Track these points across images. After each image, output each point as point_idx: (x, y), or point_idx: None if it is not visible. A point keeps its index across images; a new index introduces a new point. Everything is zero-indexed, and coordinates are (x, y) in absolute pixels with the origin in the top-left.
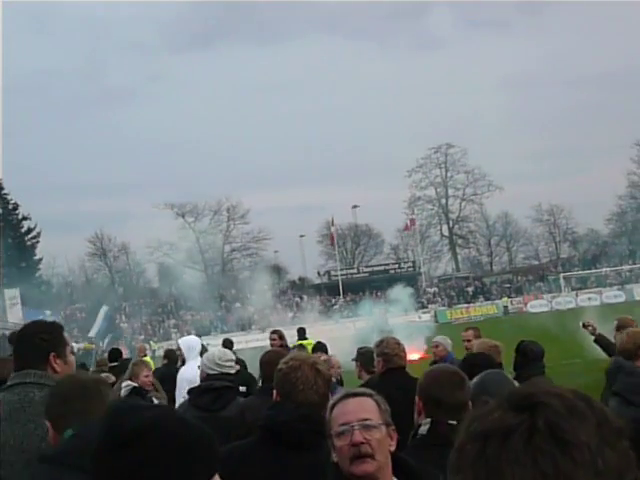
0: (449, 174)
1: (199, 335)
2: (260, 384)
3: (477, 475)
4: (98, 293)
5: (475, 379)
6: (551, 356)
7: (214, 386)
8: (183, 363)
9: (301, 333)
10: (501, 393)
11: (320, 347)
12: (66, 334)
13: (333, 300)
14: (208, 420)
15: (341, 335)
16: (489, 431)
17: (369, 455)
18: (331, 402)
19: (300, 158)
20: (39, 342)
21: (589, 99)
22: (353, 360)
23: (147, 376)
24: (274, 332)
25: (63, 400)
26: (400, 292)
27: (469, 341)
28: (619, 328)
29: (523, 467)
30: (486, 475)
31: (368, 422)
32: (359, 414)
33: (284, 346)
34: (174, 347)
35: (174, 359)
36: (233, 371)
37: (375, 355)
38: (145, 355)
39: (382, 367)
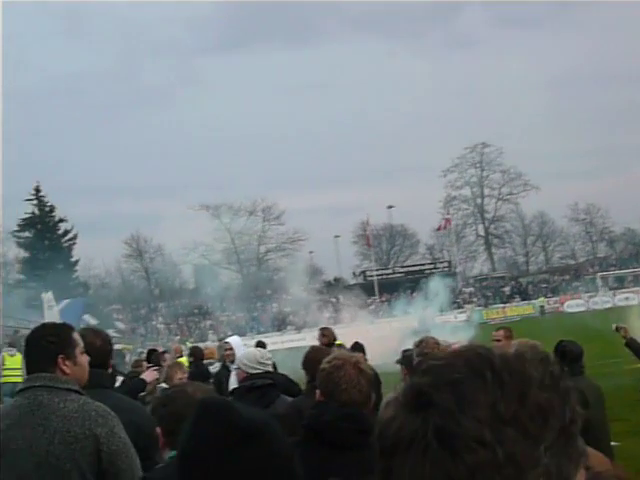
0: (485, 173)
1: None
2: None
3: None
4: (134, 294)
5: None
6: (590, 356)
7: (257, 385)
8: (232, 362)
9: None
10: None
11: (357, 348)
12: (76, 335)
13: (368, 300)
14: None
15: (377, 335)
16: (395, 444)
17: None
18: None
19: (335, 158)
20: (46, 345)
21: (626, 98)
22: (397, 363)
23: (181, 378)
24: (324, 329)
25: (177, 419)
26: (437, 291)
27: (499, 341)
28: None
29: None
30: None
31: None
32: None
33: (331, 345)
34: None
35: (200, 356)
36: (265, 369)
37: (415, 355)
38: (181, 356)
39: None
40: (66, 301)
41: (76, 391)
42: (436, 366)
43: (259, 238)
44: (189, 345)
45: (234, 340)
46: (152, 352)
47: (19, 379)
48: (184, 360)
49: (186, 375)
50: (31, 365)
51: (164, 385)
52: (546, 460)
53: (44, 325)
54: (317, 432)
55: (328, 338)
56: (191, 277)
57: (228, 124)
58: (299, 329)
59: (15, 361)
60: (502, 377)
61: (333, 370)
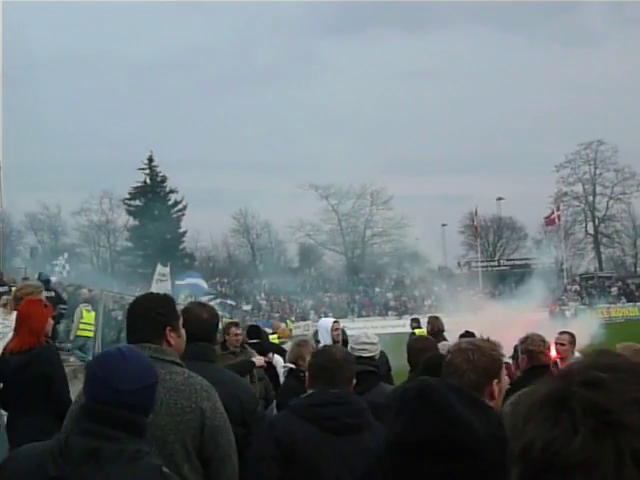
0: (598, 171)
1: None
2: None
3: None
4: (239, 269)
5: None
6: None
7: (356, 370)
8: (338, 342)
9: (415, 322)
10: None
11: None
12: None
13: (472, 291)
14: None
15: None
16: (575, 463)
17: None
18: None
19: (446, 147)
20: (155, 316)
21: None
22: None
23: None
24: (431, 318)
25: None
26: (541, 286)
27: (563, 345)
28: None
29: None
30: None
31: None
32: None
33: (436, 333)
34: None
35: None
36: (368, 354)
37: (520, 352)
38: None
39: (527, 364)
40: (190, 280)
41: (179, 364)
42: (611, 381)
43: (366, 221)
44: (292, 326)
45: (323, 322)
46: (253, 328)
47: (91, 334)
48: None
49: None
50: (136, 334)
51: (290, 365)
52: None
53: (150, 295)
54: None
55: (432, 326)
56: (296, 256)
57: (341, 106)
58: (400, 315)
59: (91, 317)
60: None
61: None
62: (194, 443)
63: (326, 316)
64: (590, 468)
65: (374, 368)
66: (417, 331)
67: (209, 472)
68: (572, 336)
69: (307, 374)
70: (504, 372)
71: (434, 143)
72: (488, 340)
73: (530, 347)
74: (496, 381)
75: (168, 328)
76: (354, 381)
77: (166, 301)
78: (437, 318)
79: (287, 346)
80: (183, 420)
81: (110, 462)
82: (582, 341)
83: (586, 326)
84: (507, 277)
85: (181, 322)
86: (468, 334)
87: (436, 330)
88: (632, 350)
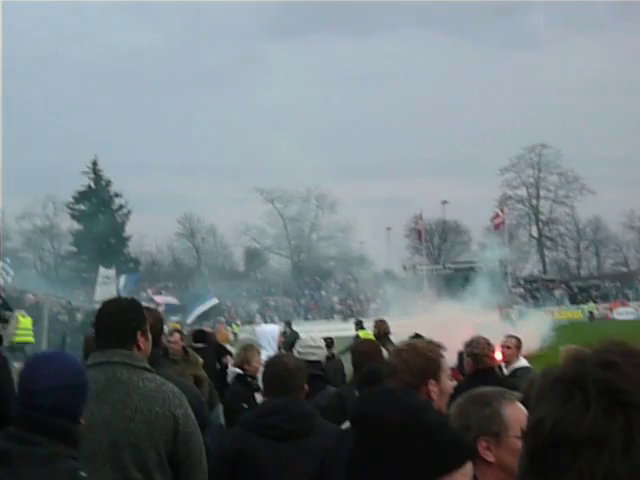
0: (542, 175)
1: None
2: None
3: None
4: (184, 273)
5: None
6: None
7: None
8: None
9: (359, 325)
10: None
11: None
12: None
13: (417, 294)
14: None
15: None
16: (584, 439)
17: None
18: (499, 401)
19: (391, 151)
20: (128, 321)
21: None
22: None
23: (257, 361)
24: (377, 321)
25: None
26: (485, 289)
27: (509, 348)
28: None
29: (622, 478)
30: None
31: None
32: None
33: (382, 336)
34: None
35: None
36: (314, 358)
37: (465, 355)
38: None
39: (472, 368)
40: (123, 277)
41: (149, 370)
42: (625, 364)
43: (311, 225)
44: (238, 330)
45: (267, 329)
46: (199, 332)
47: (31, 339)
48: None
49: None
50: (107, 340)
51: (237, 370)
52: None
53: (119, 300)
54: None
55: (379, 329)
56: (241, 259)
57: (286, 109)
58: (346, 318)
59: (27, 322)
60: None
61: None
62: (167, 449)
63: (271, 320)
64: (599, 444)
65: (320, 372)
66: (361, 333)
67: (179, 477)
68: (518, 340)
69: (262, 384)
70: (445, 373)
71: (379, 147)
72: (428, 341)
73: (475, 350)
74: (432, 381)
75: (139, 332)
76: (306, 387)
77: (136, 305)
78: (383, 321)
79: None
80: (157, 427)
81: (20, 465)
82: (533, 344)
83: (536, 328)
84: (452, 280)
85: (149, 326)
86: (418, 337)
87: (382, 333)
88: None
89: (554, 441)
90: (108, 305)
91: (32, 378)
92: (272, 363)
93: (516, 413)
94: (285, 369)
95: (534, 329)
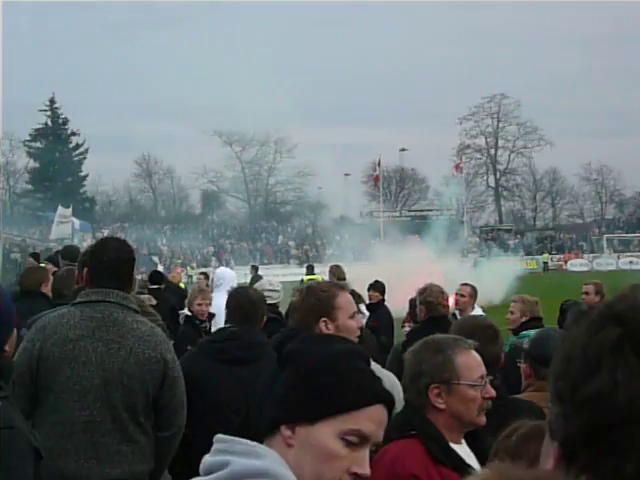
0: (501, 125)
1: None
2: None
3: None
4: (141, 214)
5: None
6: None
7: None
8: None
9: (309, 270)
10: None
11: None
12: None
13: (373, 241)
14: None
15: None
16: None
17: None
18: (452, 349)
19: (351, 97)
20: (125, 262)
21: None
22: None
23: (200, 304)
24: (333, 267)
25: None
26: (442, 236)
27: (463, 296)
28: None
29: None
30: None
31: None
32: (484, 370)
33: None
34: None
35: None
36: (271, 301)
37: (418, 303)
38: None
39: (425, 315)
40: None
41: (138, 312)
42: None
43: (269, 169)
44: (193, 272)
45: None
46: (155, 273)
47: None
48: (182, 284)
49: (206, 301)
50: (106, 279)
51: (186, 312)
52: None
53: (114, 239)
54: None
55: (336, 276)
56: (198, 202)
57: (246, 52)
58: (302, 263)
59: None
60: None
61: None
62: (155, 393)
63: (227, 264)
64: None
65: (276, 315)
66: (307, 278)
67: (161, 421)
68: (473, 288)
69: (226, 313)
70: (344, 311)
71: (339, 93)
72: (326, 282)
73: (429, 298)
74: (325, 319)
75: (132, 273)
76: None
77: (129, 246)
78: (338, 267)
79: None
80: (149, 370)
81: None
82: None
83: (500, 278)
84: (409, 228)
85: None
86: (377, 283)
87: (337, 279)
88: (530, 302)
89: (625, 417)
90: (105, 244)
91: None
92: (236, 294)
93: (469, 361)
94: (249, 300)
95: (498, 279)
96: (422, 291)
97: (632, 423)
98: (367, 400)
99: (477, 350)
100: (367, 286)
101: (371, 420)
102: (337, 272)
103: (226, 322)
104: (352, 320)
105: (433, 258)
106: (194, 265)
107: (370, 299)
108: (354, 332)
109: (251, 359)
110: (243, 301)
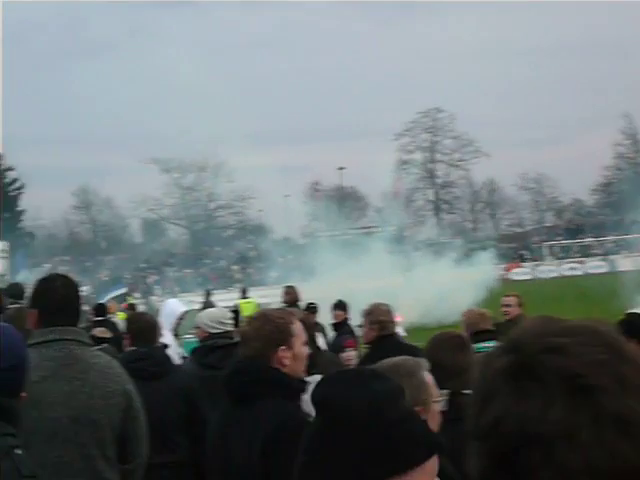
0: (437, 139)
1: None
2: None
3: None
4: (81, 246)
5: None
6: None
7: (219, 344)
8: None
9: (243, 293)
10: None
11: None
12: None
13: (316, 261)
14: (218, 378)
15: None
16: (553, 434)
17: None
18: (421, 370)
19: (288, 117)
20: (75, 298)
21: (579, 69)
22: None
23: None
24: (288, 288)
25: None
26: (385, 253)
27: (508, 306)
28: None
29: (586, 469)
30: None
31: None
32: None
33: (294, 303)
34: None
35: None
36: (230, 329)
37: (367, 323)
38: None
39: (377, 334)
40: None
41: (92, 345)
42: (573, 345)
43: (209, 194)
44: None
45: (170, 304)
46: (99, 306)
47: None
48: (122, 315)
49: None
50: (58, 317)
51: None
52: None
53: (60, 277)
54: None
55: (290, 296)
56: (139, 231)
57: (179, 78)
58: (246, 287)
59: None
60: (629, 354)
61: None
62: (120, 425)
63: (171, 292)
64: (571, 437)
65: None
66: (241, 302)
67: (126, 451)
68: (518, 297)
69: (129, 335)
70: (299, 339)
71: (275, 114)
72: (280, 309)
73: (381, 317)
74: (283, 348)
75: (81, 309)
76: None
77: (75, 282)
78: (292, 287)
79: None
80: (114, 403)
81: None
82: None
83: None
84: (351, 245)
85: None
86: (341, 302)
87: (294, 300)
88: (475, 314)
89: (522, 441)
90: (53, 282)
91: None
92: (136, 319)
93: (432, 380)
94: (148, 324)
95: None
96: (370, 311)
97: (529, 447)
98: (429, 453)
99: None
100: (331, 305)
101: (427, 474)
102: (291, 293)
103: (130, 344)
104: (305, 347)
105: (377, 275)
106: (137, 295)
107: (335, 318)
108: (305, 360)
109: (163, 373)
110: (144, 325)
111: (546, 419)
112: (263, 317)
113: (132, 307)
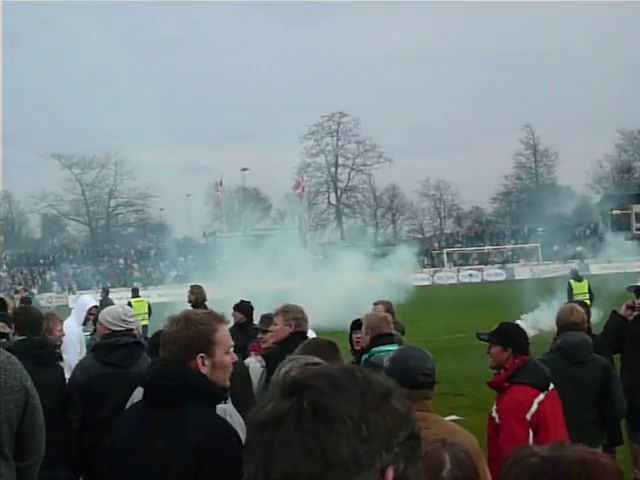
0: (340, 143)
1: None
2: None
3: (259, 464)
4: None
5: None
6: (437, 330)
7: (121, 342)
8: None
9: (135, 292)
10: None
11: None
12: None
13: (217, 261)
14: (120, 377)
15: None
16: (265, 421)
17: None
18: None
19: (192, 117)
20: None
21: (481, 78)
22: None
23: (60, 330)
24: (194, 287)
25: None
26: (287, 256)
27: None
28: None
29: (293, 448)
30: (264, 462)
31: None
32: None
33: (199, 303)
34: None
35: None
36: (133, 327)
37: (283, 321)
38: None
39: (291, 332)
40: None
41: None
42: (312, 365)
43: (110, 191)
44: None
45: (83, 299)
46: None
47: None
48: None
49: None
50: None
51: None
52: (397, 451)
53: None
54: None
55: (196, 296)
56: (38, 226)
57: (83, 72)
58: (145, 286)
59: None
60: (370, 379)
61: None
62: (18, 421)
63: (70, 289)
64: (278, 421)
65: (136, 339)
66: (133, 301)
67: (23, 450)
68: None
69: (15, 326)
70: (221, 346)
71: (180, 112)
72: (205, 312)
73: (297, 315)
74: (202, 355)
75: None
76: None
77: None
78: (199, 287)
79: None
80: (12, 399)
81: None
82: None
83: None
84: (252, 247)
85: None
86: (244, 302)
87: (200, 300)
88: (377, 318)
89: (252, 426)
90: None
91: None
92: (23, 311)
93: None
94: (34, 317)
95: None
96: (286, 309)
97: (252, 430)
98: None
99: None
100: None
101: None
102: (198, 292)
103: (17, 334)
104: (228, 356)
105: (278, 277)
106: (34, 291)
107: (235, 319)
108: (229, 368)
109: (53, 361)
110: (32, 317)
111: (264, 409)
112: (184, 320)
113: (27, 300)
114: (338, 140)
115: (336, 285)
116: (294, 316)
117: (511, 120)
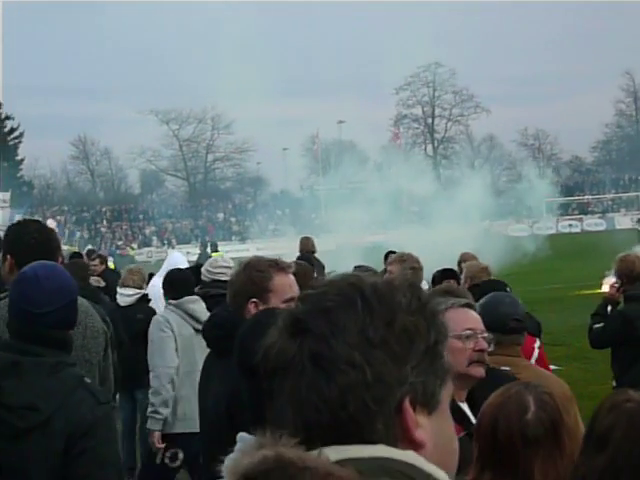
0: (437, 94)
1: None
2: None
3: (270, 412)
4: (79, 196)
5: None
6: (534, 281)
7: (210, 294)
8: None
9: (213, 247)
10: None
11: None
12: None
13: (313, 215)
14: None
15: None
16: (275, 367)
17: (484, 362)
18: (442, 306)
19: (288, 70)
20: (53, 243)
21: (580, 25)
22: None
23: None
24: (303, 239)
25: None
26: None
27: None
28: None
29: (298, 404)
30: (283, 407)
31: (486, 335)
32: (481, 325)
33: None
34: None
35: None
36: (225, 278)
37: (399, 271)
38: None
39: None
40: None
41: None
42: (311, 295)
43: (207, 146)
44: (133, 252)
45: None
46: (91, 252)
47: None
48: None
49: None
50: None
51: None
52: (412, 379)
53: (33, 222)
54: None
55: (302, 247)
56: (137, 182)
57: (182, 29)
58: (243, 239)
59: None
60: (371, 304)
61: None
62: (100, 363)
63: (169, 243)
64: (284, 371)
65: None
66: (213, 255)
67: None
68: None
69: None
70: (276, 295)
71: (275, 67)
72: (267, 260)
73: (415, 264)
74: (254, 301)
75: (59, 255)
76: None
77: (50, 228)
78: (308, 238)
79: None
80: (99, 342)
81: (31, 374)
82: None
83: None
84: (350, 200)
85: None
86: (392, 254)
87: (306, 251)
88: (478, 268)
89: (264, 371)
90: (27, 228)
91: (33, 300)
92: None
93: (453, 316)
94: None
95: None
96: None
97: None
98: None
99: None
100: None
101: None
102: (307, 244)
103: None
104: (285, 305)
105: (374, 230)
106: (134, 245)
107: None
108: None
109: None
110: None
111: (271, 354)
112: (243, 266)
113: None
114: (434, 91)
115: (432, 238)
116: (411, 265)
117: (611, 67)
